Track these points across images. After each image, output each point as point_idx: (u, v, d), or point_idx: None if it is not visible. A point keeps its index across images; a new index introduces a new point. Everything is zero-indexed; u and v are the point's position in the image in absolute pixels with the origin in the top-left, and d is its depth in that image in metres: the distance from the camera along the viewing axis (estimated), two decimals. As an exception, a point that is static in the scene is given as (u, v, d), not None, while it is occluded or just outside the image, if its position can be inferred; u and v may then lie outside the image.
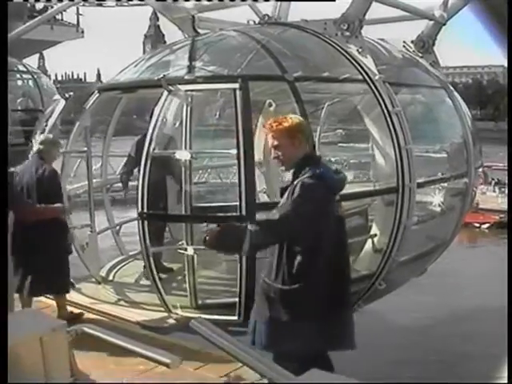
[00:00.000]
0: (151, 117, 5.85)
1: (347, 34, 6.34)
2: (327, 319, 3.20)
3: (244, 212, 4.52)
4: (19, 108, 14.74)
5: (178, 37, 7.12)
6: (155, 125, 4.83)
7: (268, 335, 3.26)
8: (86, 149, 5.82)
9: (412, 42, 7.97)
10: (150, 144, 4.77)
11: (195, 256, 4.85)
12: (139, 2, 14.55)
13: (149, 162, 4.71)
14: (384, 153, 6.04)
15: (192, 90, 4.89)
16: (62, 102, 6.18)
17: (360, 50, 6.30)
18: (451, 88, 7.79)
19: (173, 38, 7.25)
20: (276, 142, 3.22)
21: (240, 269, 4.61)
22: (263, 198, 6.19)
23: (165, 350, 3.62)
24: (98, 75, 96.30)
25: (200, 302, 5.07)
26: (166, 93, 4.90)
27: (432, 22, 7.79)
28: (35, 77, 15.74)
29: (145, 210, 4.71)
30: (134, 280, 6.02)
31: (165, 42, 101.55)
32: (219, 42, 6.01)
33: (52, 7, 20.88)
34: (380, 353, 8.33)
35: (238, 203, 4.58)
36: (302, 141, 3.23)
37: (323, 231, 3.17)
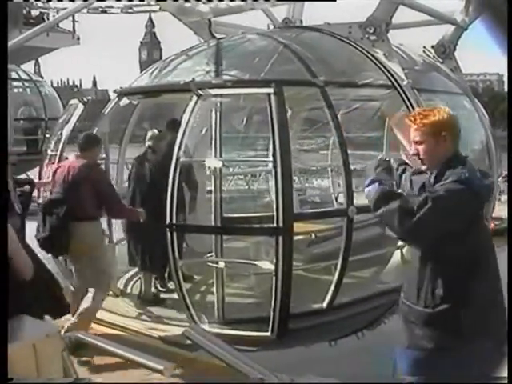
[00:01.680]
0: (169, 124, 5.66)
1: (373, 37, 6.16)
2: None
3: (281, 223, 4.28)
4: (21, 117, 14.47)
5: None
6: (184, 131, 4.58)
7: (409, 365, 2.77)
8: (104, 155, 5.58)
9: (432, 47, 7.80)
10: (178, 151, 4.52)
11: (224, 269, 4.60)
12: (145, 9, 14.33)
13: (178, 170, 4.48)
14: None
15: (222, 95, 4.66)
16: (80, 107, 5.94)
17: (387, 54, 6.12)
18: (472, 95, 7.64)
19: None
20: (418, 138, 2.73)
21: (276, 282, 4.38)
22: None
23: (191, 367, 3.47)
24: (94, 82, 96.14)
25: (228, 316, 4.82)
26: (194, 98, 4.65)
27: (453, 27, 7.63)
28: (37, 85, 15.48)
29: (174, 222, 4.47)
30: (153, 294, 5.74)
31: (161, 50, 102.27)
32: (244, 46, 5.80)
33: (48, 14, 20.83)
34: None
35: (272, 214, 4.33)
36: (450, 138, 2.75)
37: (470, 244, 2.65)
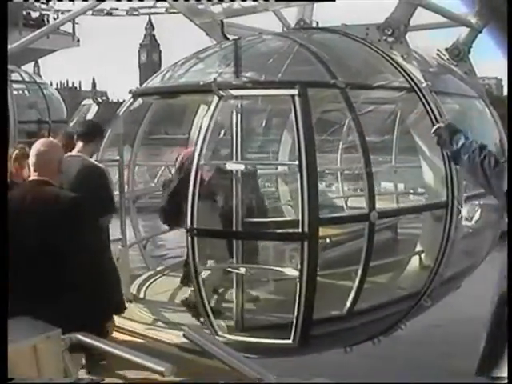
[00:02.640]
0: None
1: (391, 39, 6.07)
2: None
3: (306, 229, 4.17)
4: (25, 119, 14.30)
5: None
6: (205, 134, 4.47)
7: None
8: (118, 157, 5.46)
9: (446, 49, 7.71)
10: (199, 154, 4.42)
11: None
12: (150, 11, 14.24)
13: (199, 174, 4.36)
14: (432, 164, 5.74)
15: (244, 96, 4.55)
16: (94, 107, 5.82)
17: (405, 56, 6.03)
18: (486, 97, 7.57)
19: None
20: None
21: (299, 289, 4.27)
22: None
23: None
24: (94, 84, 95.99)
25: (247, 323, 4.71)
26: (216, 99, 4.54)
27: (468, 29, 7.54)
28: (41, 87, 15.32)
29: (195, 226, 4.35)
30: (168, 298, 5.63)
31: (160, 52, 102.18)
32: (262, 46, 5.70)
33: (48, 16, 20.74)
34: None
35: (298, 218, 4.22)
36: None
37: None
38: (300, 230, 4.18)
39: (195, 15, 7.56)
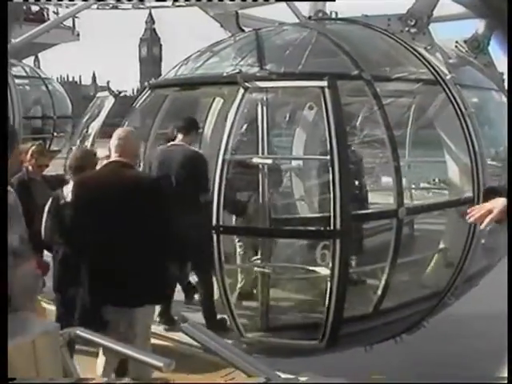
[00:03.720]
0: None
1: (414, 30, 5.91)
2: None
3: (338, 226, 4.01)
4: (30, 115, 14.09)
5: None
6: (231, 128, 4.31)
7: None
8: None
9: (465, 41, 7.54)
10: (225, 149, 4.25)
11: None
12: (157, 5, 14.03)
13: (225, 169, 4.20)
14: (457, 159, 5.59)
15: (270, 88, 4.38)
16: (111, 100, 5.64)
17: (429, 47, 5.87)
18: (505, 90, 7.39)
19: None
20: None
21: (330, 288, 4.11)
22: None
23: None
24: (94, 78, 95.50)
25: (271, 323, 4.57)
26: (241, 91, 4.37)
27: (487, 21, 7.37)
28: (46, 82, 15.09)
29: (221, 223, 4.20)
30: (184, 297, 5.47)
31: (160, 46, 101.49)
32: (283, 37, 5.51)
33: (48, 10, 20.54)
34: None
35: (329, 215, 4.06)
36: None
37: None
38: (332, 227, 4.03)
39: (209, 6, 7.41)
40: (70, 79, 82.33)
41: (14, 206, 2.50)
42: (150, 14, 76.00)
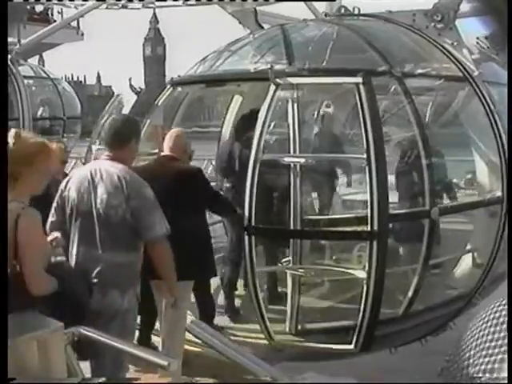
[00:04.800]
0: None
1: (440, 25, 5.77)
2: None
3: (376, 226, 3.89)
4: (39, 116, 13.92)
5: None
6: (262, 126, 4.18)
7: None
8: (157, 151, 5.17)
9: (486, 38, 7.40)
10: (257, 148, 4.12)
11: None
12: (167, 4, 13.88)
13: (257, 169, 4.08)
14: (486, 157, 5.45)
15: (302, 85, 4.25)
16: (133, 97, 5.52)
17: (455, 43, 5.74)
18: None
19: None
20: None
21: (366, 291, 3.99)
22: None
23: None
24: (98, 78, 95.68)
25: (300, 327, 4.44)
26: (272, 87, 4.24)
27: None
28: (55, 83, 14.91)
29: (253, 224, 4.07)
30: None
31: (165, 46, 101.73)
32: (309, 32, 5.37)
33: (52, 9, 20.46)
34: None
35: (362, 216, 3.93)
36: None
37: None
38: (369, 227, 3.90)
39: (227, 3, 7.30)
40: (75, 79, 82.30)
41: None
42: (154, 13, 76.32)
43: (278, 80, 4.19)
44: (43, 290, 2.76)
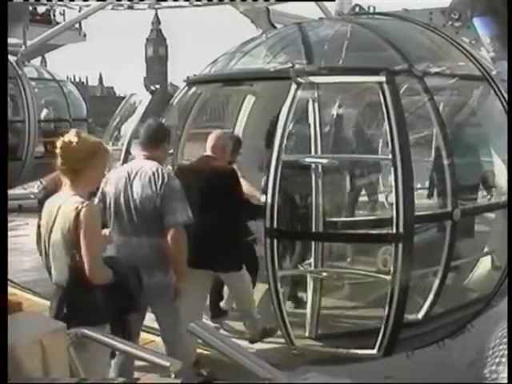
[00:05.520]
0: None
1: (458, 24, 5.69)
2: None
3: (402, 229, 3.80)
4: (44, 118, 13.78)
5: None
6: (284, 126, 4.09)
7: None
8: (172, 151, 5.09)
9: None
10: (279, 148, 4.04)
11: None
12: (173, 4, 13.81)
13: (279, 169, 3.99)
14: (505, 157, 5.36)
15: (321, 84, 4.16)
16: (147, 96, 5.43)
17: (474, 42, 5.65)
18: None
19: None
20: None
21: (391, 295, 3.90)
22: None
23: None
24: (100, 79, 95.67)
25: (320, 331, 4.36)
26: (293, 86, 4.16)
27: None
28: (61, 84, 14.78)
29: (275, 227, 3.98)
30: (224, 303, 5.25)
31: (166, 46, 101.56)
32: (326, 31, 5.28)
33: (54, 11, 20.40)
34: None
35: (387, 217, 3.85)
36: None
37: None
38: (394, 230, 3.81)
39: (239, 3, 7.24)
40: (77, 80, 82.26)
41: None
42: (156, 14, 76.14)
43: (299, 79, 4.10)
44: (102, 280, 2.93)
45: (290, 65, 4.13)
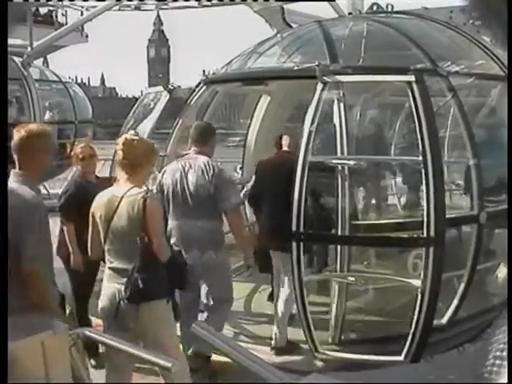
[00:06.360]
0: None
1: (479, 22, 5.59)
2: None
3: (432, 232, 3.68)
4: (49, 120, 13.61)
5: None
6: (311, 126, 3.98)
7: None
8: (189, 151, 4.97)
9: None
10: (306, 149, 3.93)
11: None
12: (181, 5, 13.71)
13: (306, 171, 3.88)
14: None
15: (347, 83, 4.05)
16: (165, 95, 5.33)
17: (494, 41, 5.54)
18: None
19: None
20: None
21: (421, 300, 3.78)
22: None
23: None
24: (102, 80, 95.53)
25: (344, 336, 4.25)
26: (319, 86, 4.05)
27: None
28: (67, 86, 14.60)
29: (301, 230, 3.87)
30: (243, 308, 5.16)
31: (169, 47, 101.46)
32: (347, 29, 5.17)
33: (56, 12, 20.33)
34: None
35: (417, 220, 3.73)
36: None
37: None
38: (425, 233, 3.69)
39: (252, 3, 7.15)
40: (79, 81, 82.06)
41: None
42: (158, 15, 76.00)
43: (325, 78, 3.99)
44: (166, 256, 3.35)
45: (316, 63, 4.00)
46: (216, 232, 4.15)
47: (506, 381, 1.10)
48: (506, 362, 0.92)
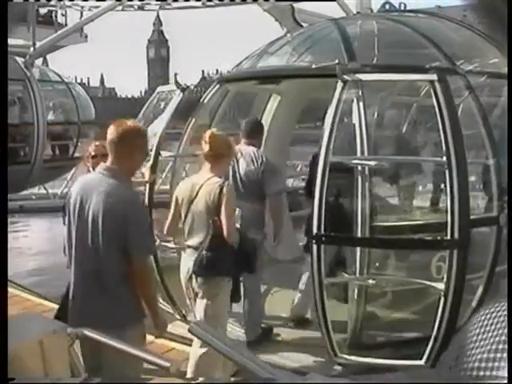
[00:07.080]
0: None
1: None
2: None
3: (457, 235, 3.61)
4: (52, 120, 13.51)
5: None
6: (332, 126, 3.91)
7: None
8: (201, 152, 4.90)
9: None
10: (327, 150, 3.86)
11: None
12: (184, 5, 13.62)
13: (327, 172, 3.81)
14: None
15: (368, 82, 3.98)
16: (178, 94, 5.25)
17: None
18: None
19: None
20: None
21: (444, 304, 3.71)
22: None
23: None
24: (102, 80, 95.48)
25: (365, 341, 4.17)
26: (340, 84, 3.98)
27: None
28: (69, 86, 14.50)
29: (322, 232, 3.80)
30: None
31: (168, 48, 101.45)
32: (362, 27, 5.10)
33: (56, 12, 20.25)
34: None
35: (439, 222, 3.65)
36: None
37: None
38: (449, 235, 3.62)
39: (262, 3, 7.08)
40: (78, 81, 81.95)
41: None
42: (158, 15, 76.00)
43: (345, 76, 3.92)
44: (233, 239, 3.74)
45: (336, 61, 3.92)
46: (260, 213, 4.66)
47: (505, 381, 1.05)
48: (496, 364, 0.85)
